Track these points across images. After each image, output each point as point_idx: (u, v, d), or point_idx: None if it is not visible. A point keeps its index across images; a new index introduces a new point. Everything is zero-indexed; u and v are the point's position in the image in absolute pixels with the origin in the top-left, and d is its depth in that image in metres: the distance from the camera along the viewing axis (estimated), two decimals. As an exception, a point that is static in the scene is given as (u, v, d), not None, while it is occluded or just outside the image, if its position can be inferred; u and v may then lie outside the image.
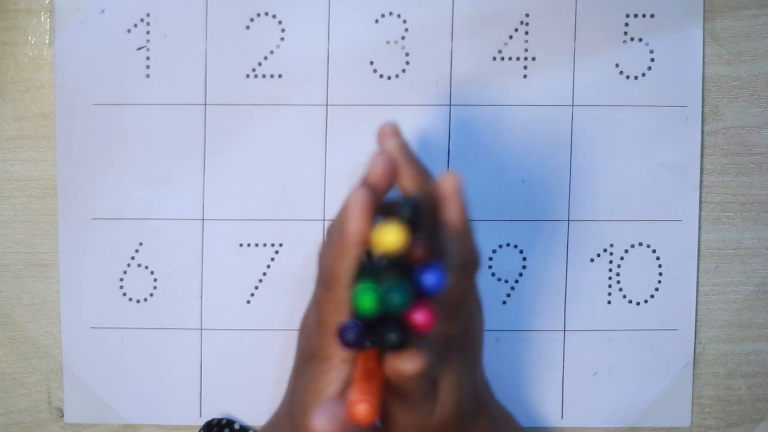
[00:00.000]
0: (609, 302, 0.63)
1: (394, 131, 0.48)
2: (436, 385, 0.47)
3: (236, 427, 0.62)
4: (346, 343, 0.42)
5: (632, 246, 0.63)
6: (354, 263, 0.43)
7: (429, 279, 0.42)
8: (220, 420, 0.62)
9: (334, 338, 0.44)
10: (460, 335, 0.48)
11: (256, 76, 0.61)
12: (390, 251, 0.41)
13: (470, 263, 0.47)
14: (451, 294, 0.45)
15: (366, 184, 0.46)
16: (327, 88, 0.61)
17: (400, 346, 0.42)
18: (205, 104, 0.61)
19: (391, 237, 0.41)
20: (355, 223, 0.43)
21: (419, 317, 0.41)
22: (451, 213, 0.46)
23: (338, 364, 0.46)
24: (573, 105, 0.62)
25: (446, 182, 0.46)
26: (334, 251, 0.45)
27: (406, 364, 0.43)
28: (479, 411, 0.51)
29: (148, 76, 0.61)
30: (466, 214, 0.46)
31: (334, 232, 0.46)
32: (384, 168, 0.46)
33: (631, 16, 0.62)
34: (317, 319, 0.47)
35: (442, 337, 0.46)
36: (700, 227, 0.63)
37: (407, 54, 0.61)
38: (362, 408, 0.41)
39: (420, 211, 0.42)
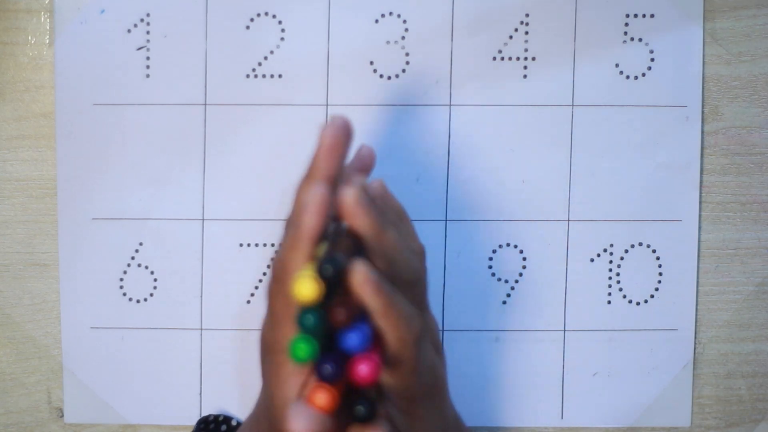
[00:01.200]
0: (609, 302, 0.63)
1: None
2: None
3: (233, 423, 0.62)
4: (325, 379, 0.42)
5: (632, 246, 0.63)
6: (305, 258, 0.43)
7: (350, 340, 0.41)
8: (216, 416, 0.62)
9: (286, 329, 0.45)
10: (427, 384, 0.47)
11: (256, 76, 0.61)
12: (303, 303, 0.41)
13: (409, 316, 0.45)
14: (398, 351, 0.44)
15: (318, 172, 0.46)
16: (327, 88, 0.61)
17: (369, 419, 0.42)
18: (205, 104, 0.61)
19: (303, 290, 0.41)
20: (309, 219, 0.43)
21: (363, 369, 0.41)
22: (363, 230, 0.44)
23: None
24: (573, 105, 0.62)
25: (345, 196, 0.44)
26: (286, 245, 0.45)
27: None
28: None
29: (148, 76, 0.61)
30: (380, 231, 0.44)
31: (289, 226, 0.46)
32: (334, 137, 0.46)
33: (631, 16, 0.62)
34: (269, 311, 0.47)
35: (406, 393, 0.46)
36: (700, 227, 0.63)
37: (407, 54, 0.61)
38: (321, 397, 0.41)
39: (342, 272, 0.42)
